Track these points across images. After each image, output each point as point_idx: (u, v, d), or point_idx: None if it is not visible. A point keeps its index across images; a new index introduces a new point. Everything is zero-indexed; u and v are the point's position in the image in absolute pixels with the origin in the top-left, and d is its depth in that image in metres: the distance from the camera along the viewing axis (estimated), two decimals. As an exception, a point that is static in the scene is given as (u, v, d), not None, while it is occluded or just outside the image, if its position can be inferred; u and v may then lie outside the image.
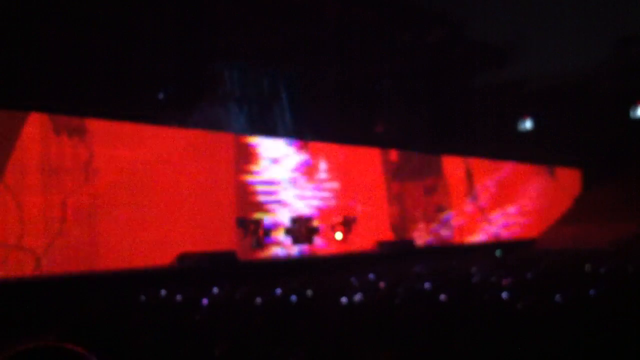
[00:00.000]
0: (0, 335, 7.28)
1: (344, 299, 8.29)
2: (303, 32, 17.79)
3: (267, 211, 16.53)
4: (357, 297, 8.29)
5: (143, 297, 9.98)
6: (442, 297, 7.59)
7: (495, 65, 25.26)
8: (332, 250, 17.96)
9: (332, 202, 18.34)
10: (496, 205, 24.48)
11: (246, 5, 16.24)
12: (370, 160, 19.88)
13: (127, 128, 13.88)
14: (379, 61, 19.98)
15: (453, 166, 22.77)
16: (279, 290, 9.73)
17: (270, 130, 17.01)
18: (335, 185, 18.51)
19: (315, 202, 17.89)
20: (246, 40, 16.36)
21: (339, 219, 18.40)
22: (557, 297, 7.27)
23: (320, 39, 18.28)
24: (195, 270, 13.58)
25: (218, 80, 16.19)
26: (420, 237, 20.86)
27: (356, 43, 19.15)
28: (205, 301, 9.22)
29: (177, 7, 15.02)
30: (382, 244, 19.21)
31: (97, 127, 13.36)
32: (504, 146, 24.53)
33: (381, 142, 20.21)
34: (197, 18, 15.29)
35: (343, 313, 7.28)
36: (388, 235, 19.95)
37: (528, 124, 24.29)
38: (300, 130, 17.51)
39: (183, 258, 14.20)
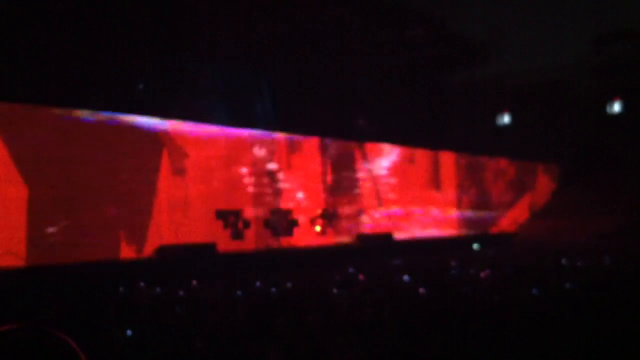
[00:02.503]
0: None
1: (323, 293, 8.32)
2: (282, 30, 17.78)
3: (248, 203, 16.51)
4: (337, 290, 8.31)
5: (122, 289, 9.96)
6: (421, 290, 7.64)
7: (474, 61, 25.39)
8: (312, 242, 17.99)
9: (312, 195, 18.36)
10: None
11: (227, 3, 16.19)
12: (350, 154, 19.92)
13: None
14: (357, 57, 19.99)
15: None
16: (258, 284, 9.75)
17: (249, 122, 16.97)
18: (314, 178, 18.53)
19: (295, 195, 17.90)
20: (226, 36, 16.31)
21: (318, 211, 18.43)
22: (534, 290, 7.35)
23: (298, 35, 18.27)
24: (175, 262, 13.55)
25: (198, 74, 16.13)
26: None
27: (334, 40, 19.17)
28: (184, 293, 9.22)
29: (159, 4, 14.94)
30: (361, 237, 19.29)
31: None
32: (481, 141, 24.67)
33: (359, 136, 20.25)
34: (179, 15, 15.23)
35: (323, 307, 7.30)
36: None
37: (506, 119, 24.46)
38: (278, 123, 17.48)
39: (162, 250, 14.14)
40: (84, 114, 13.40)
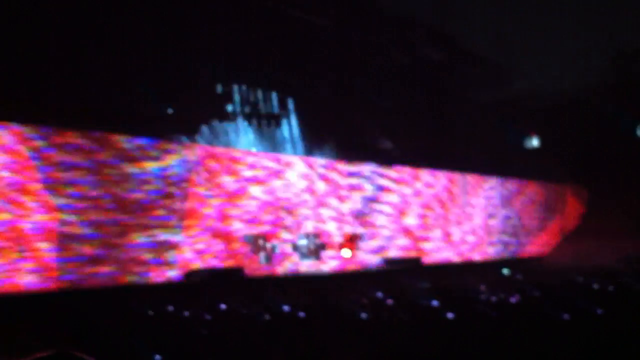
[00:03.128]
0: (9, 346, 7.32)
1: (351, 316, 8.30)
2: (304, 55, 17.92)
3: (275, 226, 16.56)
4: (364, 315, 8.30)
5: (150, 313, 10.03)
6: (450, 315, 7.59)
7: (497, 82, 25.32)
8: (340, 266, 17.95)
9: (340, 219, 18.34)
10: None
11: (248, 29, 16.38)
12: (377, 177, 19.90)
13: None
14: (379, 80, 20.04)
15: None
16: (286, 307, 9.75)
17: (274, 147, 17.07)
18: (341, 202, 18.53)
19: (324, 219, 17.90)
20: (247, 60, 16.47)
21: (346, 235, 18.40)
22: (565, 315, 7.26)
23: (320, 59, 18.39)
24: (203, 286, 13.62)
25: (224, 98, 16.31)
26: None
27: (356, 61, 19.26)
28: (211, 317, 9.26)
29: (180, 26, 15.16)
30: (389, 261, 19.20)
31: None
32: (508, 164, 24.50)
33: (383, 159, 20.20)
34: (200, 36, 15.43)
35: (350, 330, 7.29)
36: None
37: (534, 142, 24.30)
38: (304, 147, 17.56)
39: (191, 274, 14.23)
40: (116, 138, 13.59)
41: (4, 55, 12.04)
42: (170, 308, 10.32)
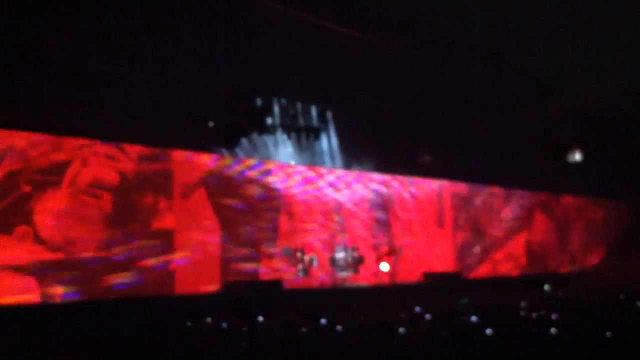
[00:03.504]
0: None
1: (389, 331, 8.27)
2: (346, 66, 17.91)
3: (314, 239, 16.58)
4: (402, 330, 8.26)
5: (189, 324, 10.14)
6: (489, 331, 7.51)
7: (541, 96, 25.01)
8: (378, 280, 17.87)
9: (378, 232, 18.28)
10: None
11: (293, 40, 16.45)
12: (417, 190, 19.82)
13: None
14: (421, 93, 19.93)
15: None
16: (323, 321, 9.76)
17: (314, 160, 17.11)
18: (381, 215, 18.47)
19: (360, 232, 17.87)
20: (290, 73, 16.53)
21: (385, 249, 18.33)
22: (608, 333, 7.12)
23: (363, 72, 18.38)
24: (241, 298, 13.68)
25: (264, 111, 16.41)
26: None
27: (399, 75, 19.19)
28: (249, 330, 9.31)
29: (223, 41, 15.30)
30: (428, 276, 19.05)
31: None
32: (550, 178, 24.15)
33: (425, 172, 20.10)
34: (243, 52, 15.56)
35: (388, 346, 7.26)
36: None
37: (577, 155, 23.92)
38: (344, 161, 17.56)
39: (228, 286, 14.30)
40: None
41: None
42: (209, 319, 10.42)
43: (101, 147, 12.58)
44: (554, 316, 9.51)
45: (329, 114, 17.79)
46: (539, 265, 23.84)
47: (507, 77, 22.66)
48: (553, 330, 7.74)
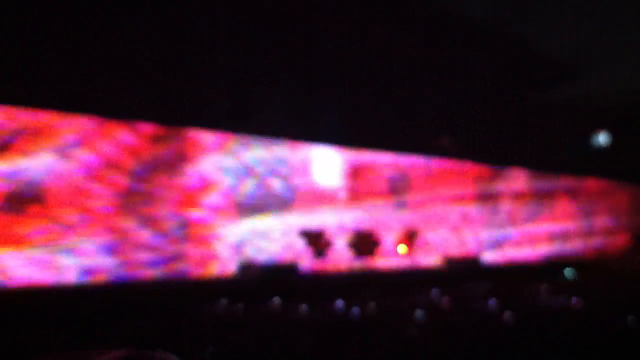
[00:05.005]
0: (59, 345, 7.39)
1: (406, 315, 8.16)
2: (363, 48, 17.69)
3: (330, 223, 16.44)
4: (419, 314, 8.13)
5: (204, 307, 10.08)
6: (506, 316, 7.35)
7: (564, 80, 24.64)
8: (396, 264, 17.71)
9: (396, 215, 18.09)
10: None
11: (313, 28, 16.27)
12: (434, 173, 19.58)
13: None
14: (441, 76, 19.67)
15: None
16: (339, 304, 9.66)
17: (323, 137, 16.83)
18: (399, 197, 18.27)
19: (378, 215, 17.68)
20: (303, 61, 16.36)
21: (403, 233, 18.14)
22: (629, 319, 6.92)
23: (384, 59, 18.15)
24: (256, 281, 13.61)
25: (272, 90, 16.21)
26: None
27: (417, 58, 18.94)
28: (264, 311, 9.25)
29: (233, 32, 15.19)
30: (447, 260, 18.86)
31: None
32: (575, 163, 23.84)
33: (442, 154, 19.85)
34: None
35: (404, 331, 7.13)
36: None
37: (602, 139, 23.59)
38: (355, 139, 17.28)
39: (244, 269, 14.23)
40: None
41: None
42: (224, 302, 10.36)
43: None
44: (574, 302, 9.32)
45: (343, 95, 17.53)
46: (562, 250, 23.56)
47: (528, 60, 22.33)
48: (574, 316, 7.57)
